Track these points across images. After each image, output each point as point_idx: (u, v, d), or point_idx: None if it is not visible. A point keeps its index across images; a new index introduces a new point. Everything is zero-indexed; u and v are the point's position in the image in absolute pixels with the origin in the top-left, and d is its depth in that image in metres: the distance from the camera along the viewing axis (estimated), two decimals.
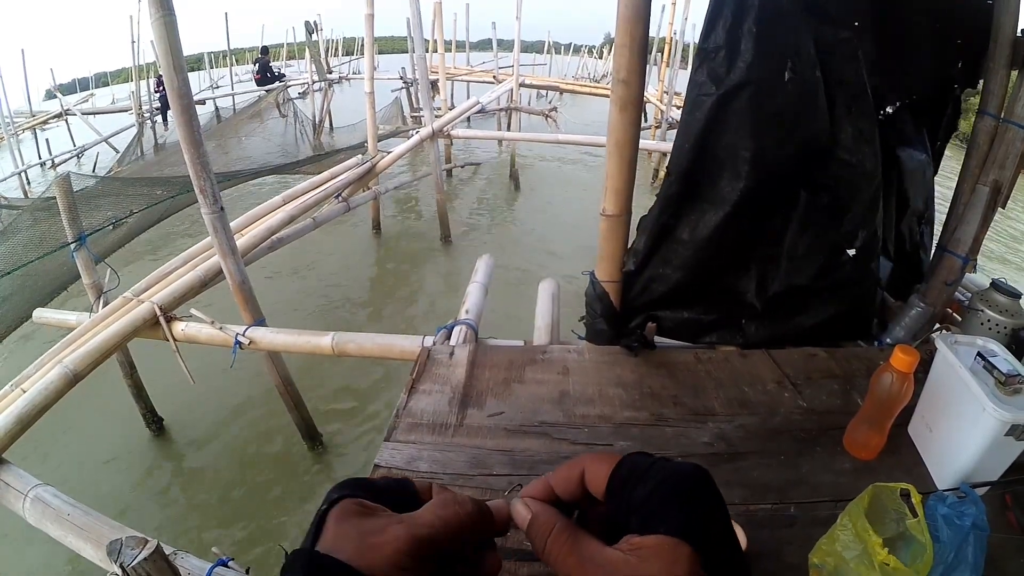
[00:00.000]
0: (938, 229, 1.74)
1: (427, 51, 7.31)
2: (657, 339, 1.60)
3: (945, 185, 1.79)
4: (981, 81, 1.57)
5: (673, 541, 0.32)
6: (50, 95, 14.63)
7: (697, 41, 1.40)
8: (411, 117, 10.38)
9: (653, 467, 0.36)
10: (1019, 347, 1.42)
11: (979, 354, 1.06)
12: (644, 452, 0.38)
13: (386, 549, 0.32)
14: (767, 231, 1.49)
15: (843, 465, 1.17)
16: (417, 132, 6.12)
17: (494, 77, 12.88)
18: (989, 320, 1.49)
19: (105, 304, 2.77)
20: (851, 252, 1.47)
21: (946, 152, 1.81)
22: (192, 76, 2.29)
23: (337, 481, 0.38)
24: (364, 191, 5.59)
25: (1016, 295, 1.50)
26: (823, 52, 1.32)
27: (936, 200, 1.86)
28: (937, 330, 1.69)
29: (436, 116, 6.29)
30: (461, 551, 0.37)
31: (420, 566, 0.33)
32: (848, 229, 1.46)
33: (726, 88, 1.33)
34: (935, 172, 1.78)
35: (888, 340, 1.62)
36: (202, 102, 11.33)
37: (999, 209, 1.57)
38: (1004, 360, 1.04)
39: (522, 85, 10.93)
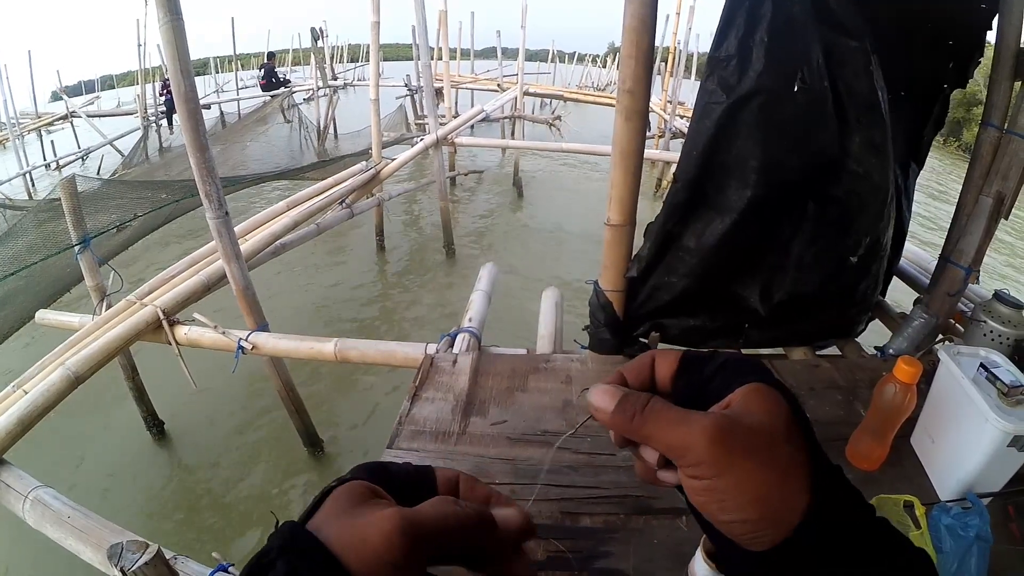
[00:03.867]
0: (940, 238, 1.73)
1: (432, 58, 7.35)
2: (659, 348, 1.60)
3: (948, 196, 1.78)
4: (984, 92, 1.58)
5: (765, 386, 0.33)
6: (56, 97, 14.75)
7: (701, 51, 1.40)
8: (415, 124, 10.44)
9: (717, 352, 0.37)
10: (1022, 358, 1.41)
11: (982, 365, 1.06)
12: None
13: (373, 537, 0.28)
14: (774, 240, 1.48)
15: (845, 476, 1.16)
16: (421, 139, 6.15)
17: (498, 85, 12.91)
18: (992, 331, 1.49)
19: (108, 307, 2.78)
20: (853, 260, 1.48)
21: (951, 163, 1.80)
22: (197, 80, 2.31)
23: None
24: (368, 198, 5.60)
25: (1019, 306, 1.49)
26: (834, 62, 1.32)
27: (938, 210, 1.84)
28: (940, 341, 1.69)
29: (440, 124, 6.31)
30: (479, 554, 0.33)
31: (417, 566, 0.29)
32: (853, 239, 1.47)
33: (736, 97, 1.33)
34: (920, 167, 1.77)
35: (891, 351, 1.62)
36: (207, 106, 11.39)
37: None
38: (1007, 371, 1.03)
39: (526, 93, 10.98)
